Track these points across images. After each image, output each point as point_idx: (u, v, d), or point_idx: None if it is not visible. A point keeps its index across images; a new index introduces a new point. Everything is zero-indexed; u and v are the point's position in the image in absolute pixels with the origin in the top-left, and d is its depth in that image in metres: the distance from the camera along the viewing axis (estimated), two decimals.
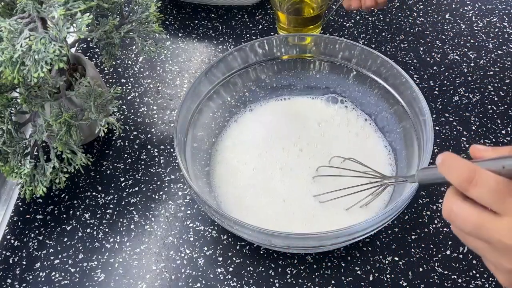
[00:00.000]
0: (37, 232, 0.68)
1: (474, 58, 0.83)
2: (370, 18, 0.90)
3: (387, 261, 0.63)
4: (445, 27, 0.88)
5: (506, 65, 0.82)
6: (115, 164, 0.74)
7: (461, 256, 0.63)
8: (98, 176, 0.73)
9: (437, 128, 0.74)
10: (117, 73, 0.85)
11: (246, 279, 0.62)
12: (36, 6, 0.57)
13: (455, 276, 0.61)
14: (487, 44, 0.85)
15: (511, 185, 0.38)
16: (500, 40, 0.86)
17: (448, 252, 0.63)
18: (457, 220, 0.40)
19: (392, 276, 0.62)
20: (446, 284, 0.61)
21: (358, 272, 0.62)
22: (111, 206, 0.70)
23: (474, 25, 0.88)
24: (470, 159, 0.41)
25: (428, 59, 0.83)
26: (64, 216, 0.69)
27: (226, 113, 0.74)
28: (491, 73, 0.81)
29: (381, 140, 0.70)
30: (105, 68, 0.85)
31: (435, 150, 0.72)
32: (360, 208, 0.64)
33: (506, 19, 0.89)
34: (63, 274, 0.64)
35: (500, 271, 0.40)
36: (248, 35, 0.89)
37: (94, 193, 0.71)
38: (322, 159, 0.68)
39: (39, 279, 0.64)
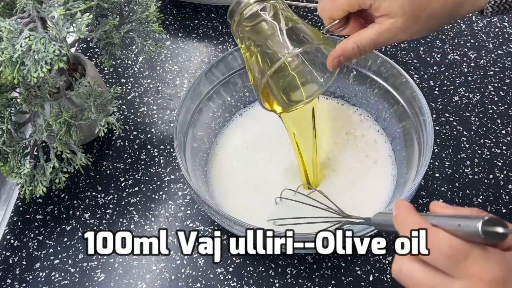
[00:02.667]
0: (37, 232, 0.68)
1: (474, 58, 0.83)
2: None
3: (387, 261, 0.63)
4: (445, 27, 0.88)
5: (506, 65, 0.82)
6: (115, 164, 0.74)
7: None
8: (98, 176, 0.73)
9: (437, 128, 0.74)
10: (117, 73, 0.85)
11: (246, 279, 0.62)
12: (36, 6, 0.57)
13: None
14: (487, 44, 0.85)
15: (465, 249, 0.36)
16: (500, 40, 0.86)
17: None
18: (408, 282, 0.38)
19: (392, 276, 0.62)
20: None
21: (358, 272, 0.62)
22: (111, 206, 0.70)
23: (474, 25, 0.88)
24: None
25: (428, 59, 0.83)
26: (64, 216, 0.69)
27: (226, 113, 0.74)
28: (491, 73, 0.81)
29: (382, 139, 0.70)
30: (105, 68, 0.85)
31: (435, 150, 0.72)
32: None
33: (506, 19, 0.89)
34: (63, 274, 0.64)
35: None
36: None
37: (94, 193, 0.71)
38: (322, 159, 0.68)
39: (39, 279, 0.64)
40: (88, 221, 0.69)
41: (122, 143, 0.76)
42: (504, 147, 0.72)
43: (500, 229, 0.35)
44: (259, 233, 0.55)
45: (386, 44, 0.51)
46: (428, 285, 0.37)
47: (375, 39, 0.50)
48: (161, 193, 0.71)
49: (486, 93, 0.78)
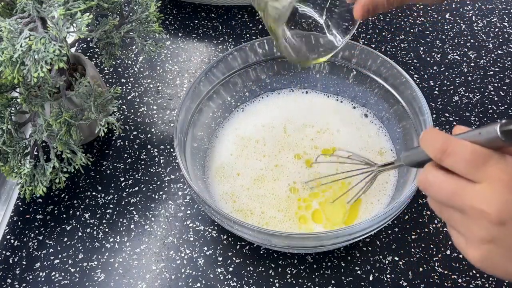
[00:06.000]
0: (37, 232, 0.68)
1: (474, 58, 0.83)
2: (370, 18, 0.90)
3: (387, 261, 0.63)
4: (445, 27, 0.88)
5: (506, 65, 0.82)
6: (115, 164, 0.74)
7: (461, 256, 0.63)
8: (98, 176, 0.73)
9: (437, 128, 0.74)
10: (117, 73, 0.85)
11: (246, 279, 0.62)
12: (36, 6, 0.57)
13: (455, 276, 0.61)
14: (487, 44, 0.85)
15: (485, 153, 0.38)
16: (500, 40, 0.86)
17: (448, 252, 0.63)
18: (432, 188, 0.41)
19: (392, 276, 0.62)
20: (446, 284, 0.61)
21: (358, 272, 0.62)
22: (111, 206, 0.70)
23: (474, 25, 0.88)
24: None
25: (428, 59, 0.83)
26: (64, 216, 0.69)
27: (226, 113, 0.74)
28: (491, 73, 0.81)
29: (382, 139, 0.70)
30: (105, 68, 0.85)
31: None
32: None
33: (506, 19, 0.89)
34: (63, 274, 0.64)
35: (471, 243, 0.39)
36: (248, 35, 0.89)
37: (94, 193, 0.71)
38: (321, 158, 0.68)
39: (39, 279, 0.64)
40: (88, 221, 0.69)
41: (122, 143, 0.76)
42: None
43: None
44: (259, 233, 0.56)
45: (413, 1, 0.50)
46: (449, 189, 0.39)
47: None
48: (161, 193, 0.71)
49: (486, 93, 0.78)
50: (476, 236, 0.39)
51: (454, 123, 0.75)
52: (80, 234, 0.68)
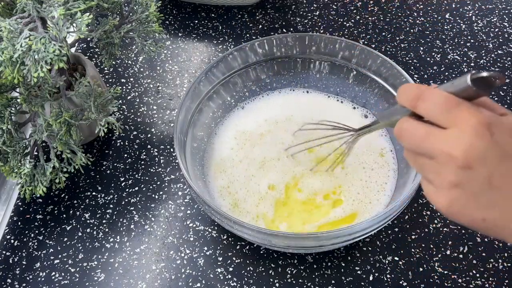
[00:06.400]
0: (37, 232, 0.68)
1: (474, 58, 0.83)
2: (370, 18, 0.90)
3: (387, 261, 0.63)
4: (445, 27, 0.88)
5: (506, 65, 0.82)
6: (115, 164, 0.74)
7: (461, 256, 0.63)
8: (98, 176, 0.73)
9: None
10: (117, 73, 0.85)
11: (246, 279, 0.62)
12: (36, 6, 0.57)
13: (455, 276, 0.61)
14: (487, 44, 0.85)
15: (457, 100, 0.39)
16: (500, 40, 0.86)
17: (448, 252, 0.63)
18: (405, 134, 0.42)
19: (392, 276, 0.62)
20: (446, 284, 0.61)
21: (358, 272, 0.62)
22: (111, 206, 0.70)
23: (474, 25, 0.88)
24: None
25: (428, 59, 0.83)
26: (64, 216, 0.69)
27: (226, 113, 0.74)
28: None
29: (382, 139, 0.70)
30: (105, 68, 0.85)
31: None
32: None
33: (506, 19, 0.89)
34: (63, 274, 0.64)
35: (440, 189, 0.40)
36: (248, 35, 0.89)
37: (94, 193, 0.71)
38: (321, 158, 0.68)
39: (39, 279, 0.64)
40: (88, 221, 0.69)
41: (122, 143, 0.76)
42: None
43: (484, 73, 0.38)
44: (259, 233, 0.56)
45: None
46: (421, 133, 0.41)
47: None
48: (161, 193, 0.71)
49: None
50: (444, 181, 0.39)
51: None
52: (80, 234, 0.68)
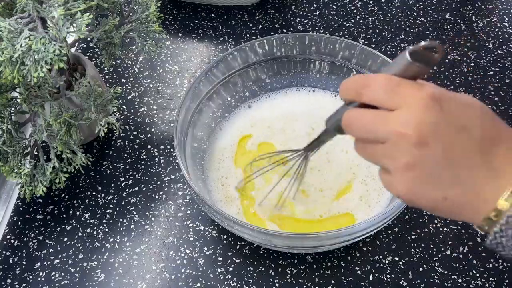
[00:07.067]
0: (37, 232, 0.68)
1: (474, 58, 0.83)
2: (370, 18, 0.90)
3: (387, 261, 0.63)
4: (445, 27, 0.88)
5: (506, 65, 0.82)
6: (115, 164, 0.74)
7: (461, 256, 0.63)
8: (98, 176, 0.73)
9: None
10: (117, 73, 0.85)
11: (246, 279, 0.62)
12: (36, 6, 0.57)
13: (455, 276, 0.61)
14: (487, 44, 0.85)
15: (399, 79, 0.38)
16: (500, 40, 0.86)
17: (448, 252, 0.63)
18: (354, 121, 0.40)
19: (392, 276, 0.62)
20: (446, 284, 0.61)
21: (358, 272, 0.62)
22: (111, 206, 0.70)
23: (474, 25, 0.88)
24: None
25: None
26: (64, 216, 0.69)
27: (226, 113, 0.74)
28: (491, 73, 0.81)
29: None
30: (105, 68, 0.85)
31: None
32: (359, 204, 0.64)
33: (506, 19, 0.89)
34: (63, 274, 0.64)
35: (397, 174, 0.38)
36: (248, 35, 0.89)
37: (94, 193, 0.71)
38: (321, 158, 0.68)
39: (39, 279, 0.64)
40: (88, 221, 0.69)
41: (122, 143, 0.76)
42: None
43: (422, 43, 0.38)
44: (259, 233, 0.56)
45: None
46: (369, 118, 0.39)
47: None
48: (161, 193, 0.71)
49: (486, 93, 0.78)
50: (400, 164, 0.38)
51: None
52: (80, 234, 0.68)
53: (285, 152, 0.61)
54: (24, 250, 0.67)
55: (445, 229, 0.65)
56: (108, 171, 0.73)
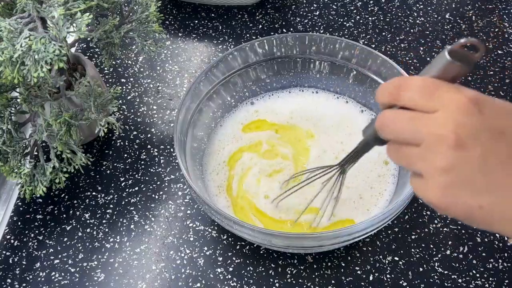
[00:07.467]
0: (37, 232, 0.68)
1: None
2: (370, 18, 0.90)
3: (387, 261, 0.63)
4: (445, 27, 0.88)
5: (506, 65, 0.82)
6: (115, 164, 0.74)
7: (461, 256, 0.63)
8: (98, 176, 0.73)
9: None
10: (117, 73, 0.85)
11: (246, 279, 0.62)
12: (36, 6, 0.57)
13: (455, 276, 0.61)
14: (487, 44, 0.85)
15: (436, 81, 0.38)
16: (500, 40, 0.86)
17: (448, 252, 0.63)
18: (389, 122, 0.40)
19: (392, 276, 0.62)
20: (446, 284, 0.61)
21: (358, 272, 0.62)
22: (111, 206, 0.70)
23: (474, 25, 0.88)
24: None
25: (428, 59, 0.83)
26: (64, 216, 0.69)
27: (226, 113, 0.74)
28: (491, 73, 0.81)
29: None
30: (105, 68, 0.85)
31: None
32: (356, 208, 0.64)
33: (506, 19, 0.89)
34: (63, 274, 0.64)
35: (431, 179, 0.37)
36: (248, 35, 0.89)
37: (94, 193, 0.71)
38: (320, 158, 0.68)
39: (39, 279, 0.64)
40: (88, 221, 0.69)
41: (122, 143, 0.76)
42: None
43: (462, 40, 0.37)
44: (259, 233, 0.56)
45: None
46: (405, 118, 0.38)
47: None
48: (161, 193, 0.71)
49: (486, 93, 0.78)
50: (436, 168, 0.36)
51: None
52: (80, 234, 0.68)
53: (321, 168, 0.59)
54: (24, 250, 0.67)
55: (445, 229, 0.65)
56: (108, 171, 0.73)
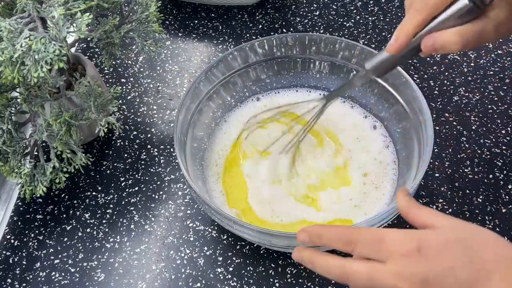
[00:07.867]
0: (37, 232, 0.68)
1: (474, 58, 0.83)
2: (370, 18, 0.90)
3: None
4: None
5: (506, 65, 0.82)
6: (115, 164, 0.74)
7: None
8: (98, 176, 0.73)
9: (437, 128, 0.74)
10: (117, 73, 0.85)
11: (246, 279, 0.62)
12: (36, 6, 0.57)
13: None
14: (487, 44, 0.85)
15: (379, 233, 0.43)
16: (500, 40, 0.86)
17: None
18: (351, 277, 0.42)
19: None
20: None
21: None
22: (111, 206, 0.70)
23: None
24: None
25: (428, 59, 0.83)
26: (64, 216, 0.69)
27: (226, 113, 0.74)
28: (491, 73, 0.81)
29: (381, 138, 0.70)
30: (105, 68, 0.85)
31: (435, 150, 0.72)
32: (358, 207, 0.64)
33: None
34: (63, 274, 0.64)
35: None
36: (248, 35, 0.89)
37: (94, 193, 0.71)
38: (321, 159, 0.68)
39: (39, 279, 0.64)
40: (88, 221, 0.69)
41: (122, 143, 0.76)
42: (504, 147, 0.72)
43: None
44: (260, 233, 0.56)
45: (490, 40, 0.48)
46: (364, 274, 0.42)
47: (480, 30, 0.46)
48: (161, 193, 0.71)
49: (486, 93, 0.78)
50: None
51: (454, 123, 0.75)
52: (80, 234, 0.68)
53: (301, 103, 0.62)
54: (24, 250, 0.67)
55: None
56: (108, 171, 0.73)
